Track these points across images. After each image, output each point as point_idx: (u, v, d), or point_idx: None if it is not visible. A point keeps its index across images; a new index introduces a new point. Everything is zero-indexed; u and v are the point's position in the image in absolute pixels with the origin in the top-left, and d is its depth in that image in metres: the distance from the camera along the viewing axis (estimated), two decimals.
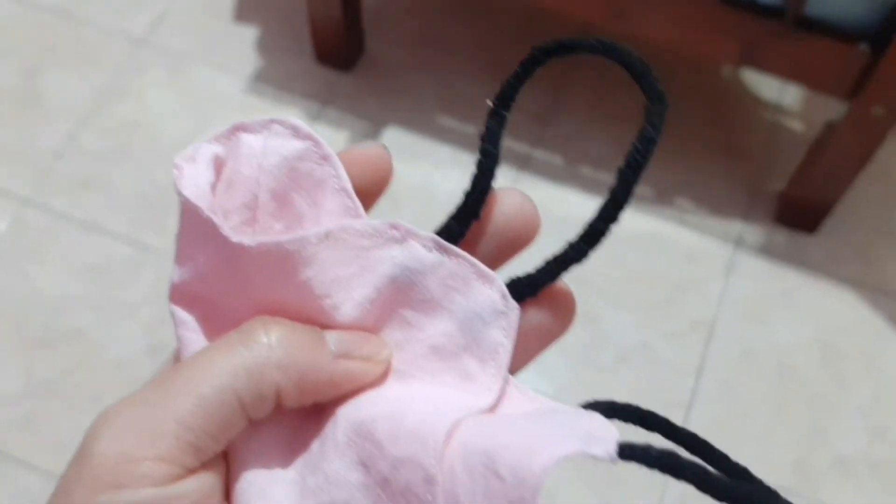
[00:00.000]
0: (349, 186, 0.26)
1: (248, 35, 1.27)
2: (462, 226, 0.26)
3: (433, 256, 0.25)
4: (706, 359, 1.04)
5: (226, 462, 0.23)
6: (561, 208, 1.10)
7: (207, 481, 0.21)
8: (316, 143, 0.26)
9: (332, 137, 1.18)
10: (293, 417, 0.25)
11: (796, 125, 1.23)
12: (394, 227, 0.25)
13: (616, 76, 1.29)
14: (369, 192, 0.26)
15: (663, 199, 1.14)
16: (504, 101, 0.28)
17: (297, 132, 0.27)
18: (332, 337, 0.24)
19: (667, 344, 1.05)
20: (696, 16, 0.95)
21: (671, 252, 1.11)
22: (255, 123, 0.27)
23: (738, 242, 1.12)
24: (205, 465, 0.21)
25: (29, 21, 1.28)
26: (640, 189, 1.11)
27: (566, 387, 1.02)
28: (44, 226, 1.11)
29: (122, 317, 1.05)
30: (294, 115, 1.19)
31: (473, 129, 1.18)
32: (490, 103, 0.28)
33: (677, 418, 1.00)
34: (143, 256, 1.09)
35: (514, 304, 0.26)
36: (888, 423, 1.02)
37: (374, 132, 1.19)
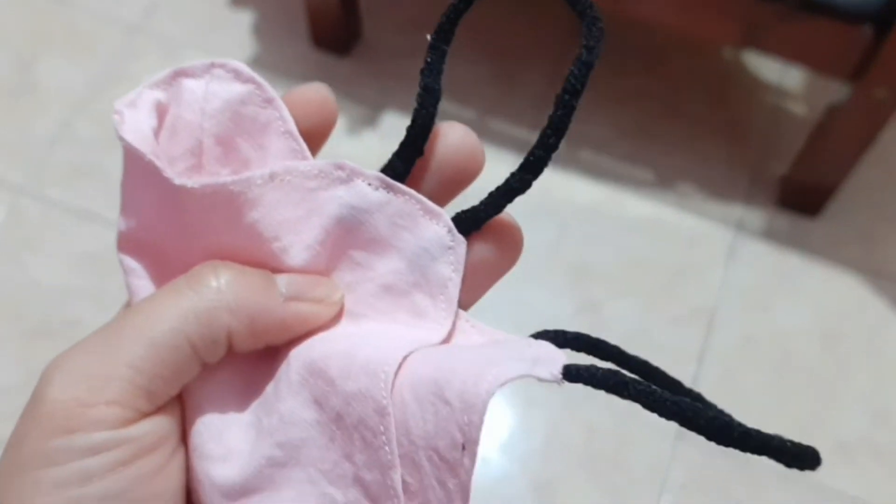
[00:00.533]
0: (294, 129, 0.26)
1: (243, 20, 1.26)
2: (406, 163, 0.26)
3: (379, 195, 0.25)
4: (707, 345, 1.04)
5: (182, 405, 0.23)
6: (561, 193, 1.09)
7: (162, 424, 0.21)
8: (258, 86, 0.26)
9: None
10: (247, 361, 0.25)
11: (798, 108, 1.22)
12: (339, 167, 0.25)
13: (614, 58, 1.28)
14: (315, 134, 0.26)
15: (664, 183, 1.13)
16: (443, 34, 0.28)
17: (238, 75, 0.26)
18: (282, 280, 0.23)
19: (668, 331, 1.05)
20: None
21: (672, 237, 1.10)
22: (196, 67, 0.26)
23: (740, 227, 1.11)
24: (160, 409, 0.21)
25: (21, 8, 1.26)
26: (640, 173, 1.11)
27: None
28: (39, 215, 1.10)
29: (116, 305, 1.03)
30: None
31: (472, 114, 1.17)
32: (429, 37, 0.27)
33: None
34: None
35: (460, 237, 0.25)
36: (890, 407, 1.01)
37: (372, 117, 1.18)
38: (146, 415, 0.21)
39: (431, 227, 0.25)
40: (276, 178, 0.25)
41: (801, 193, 1.11)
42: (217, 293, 0.22)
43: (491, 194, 0.26)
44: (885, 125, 0.96)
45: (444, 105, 1.11)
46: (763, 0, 0.92)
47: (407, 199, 0.25)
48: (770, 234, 1.11)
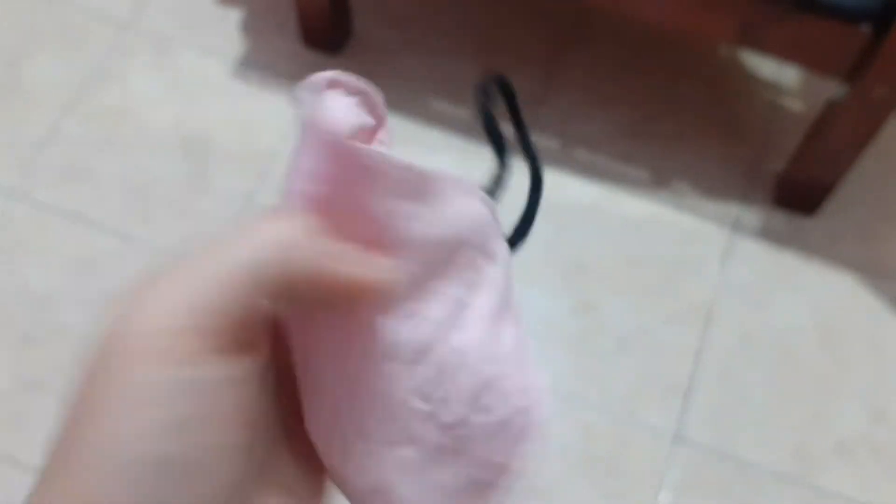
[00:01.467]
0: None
1: (233, 17, 1.24)
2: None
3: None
4: (705, 343, 1.03)
5: (273, 350, 0.24)
6: (557, 192, 1.08)
7: (243, 364, 0.22)
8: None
9: None
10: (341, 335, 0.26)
11: (795, 104, 1.21)
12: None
13: (610, 57, 1.27)
14: None
15: (660, 181, 1.12)
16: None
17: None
18: (336, 244, 0.24)
19: (665, 329, 1.04)
20: None
21: (669, 236, 1.09)
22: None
23: (736, 225, 1.11)
24: (242, 350, 0.22)
25: (9, 4, 1.24)
26: (636, 172, 1.10)
27: (565, 375, 1.00)
28: (28, 218, 1.08)
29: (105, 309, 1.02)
30: (281, 101, 1.17)
31: (465, 113, 1.16)
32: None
33: (676, 404, 0.99)
34: (130, 248, 1.07)
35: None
36: (888, 405, 1.01)
37: None
38: (225, 354, 0.21)
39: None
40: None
41: (798, 191, 1.10)
42: (271, 244, 0.22)
43: None
44: (884, 123, 0.95)
45: (438, 103, 1.11)
46: None
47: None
48: (767, 233, 1.10)
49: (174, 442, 0.20)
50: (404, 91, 1.18)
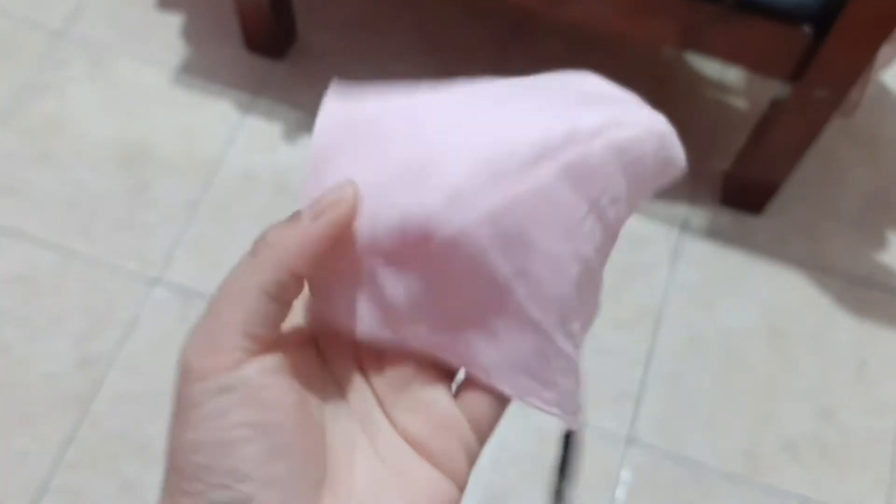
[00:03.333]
0: None
1: (172, 23, 1.21)
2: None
3: None
4: (654, 347, 1.03)
5: (285, 344, 0.29)
6: None
7: (273, 360, 0.27)
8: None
9: (266, 129, 1.14)
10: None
11: (740, 103, 1.21)
12: None
13: (552, 59, 1.27)
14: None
15: None
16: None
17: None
18: (304, 209, 0.28)
19: (616, 334, 1.04)
20: (636, 1, 0.93)
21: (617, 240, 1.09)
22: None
23: (684, 226, 1.11)
24: (267, 349, 0.27)
25: None
26: None
27: None
28: None
29: (48, 329, 1.00)
30: (224, 107, 1.15)
31: None
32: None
33: (627, 411, 0.99)
34: (69, 263, 1.04)
35: None
36: (835, 404, 1.02)
37: (309, 123, 1.14)
38: (254, 354, 0.27)
39: None
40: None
41: (743, 191, 1.10)
42: (268, 250, 0.28)
43: None
44: (827, 123, 0.96)
45: None
46: (702, 2, 0.91)
47: None
48: (714, 233, 1.11)
49: (216, 441, 0.26)
50: None
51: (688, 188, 1.13)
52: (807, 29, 0.90)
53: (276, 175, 1.11)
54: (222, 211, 1.08)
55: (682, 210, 1.12)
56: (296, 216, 0.28)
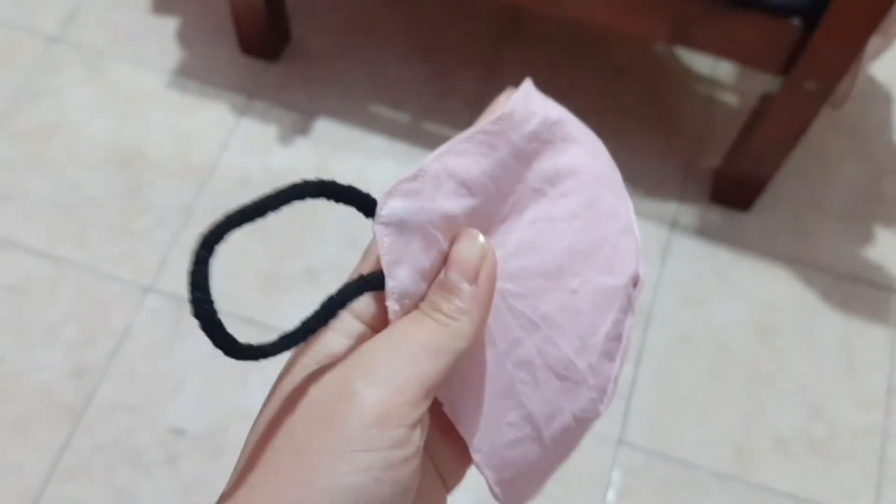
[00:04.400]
0: None
1: (167, 27, 1.22)
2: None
3: None
4: (645, 345, 1.05)
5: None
6: None
7: (420, 437, 0.27)
8: None
9: (261, 131, 1.15)
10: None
11: (731, 98, 1.22)
12: None
13: (544, 53, 1.27)
14: None
15: None
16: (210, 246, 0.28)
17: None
18: (455, 276, 0.29)
19: None
20: None
21: None
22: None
23: (674, 224, 1.12)
24: (422, 421, 0.27)
25: None
26: None
27: None
28: None
29: (42, 339, 1.01)
30: (219, 110, 1.16)
31: (406, 118, 1.16)
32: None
33: (618, 409, 1.00)
34: (63, 272, 1.05)
35: None
36: (825, 399, 1.03)
37: (304, 124, 1.16)
38: (417, 423, 0.26)
39: None
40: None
41: (733, 187, 1.12)
42: (464, 316, 0.28)
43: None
44: (816, 117, 0.97)
45: (379, 108, 1.11)
46: None
47: None
48: (704, 230, 1.12)
49: (372, 494, 0.25)
50: (345, 97, 1.18)
51: (678, 185, 1.14)
52: (796, 22, 0.91)
53: (272, 178, 1.12)
54: (217, 214, 1.08)
55: (671, 208, 1.13)
56: (453, 283, 0.28)
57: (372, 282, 0.29)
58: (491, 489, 0.32)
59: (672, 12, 0.94)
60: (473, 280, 0.28)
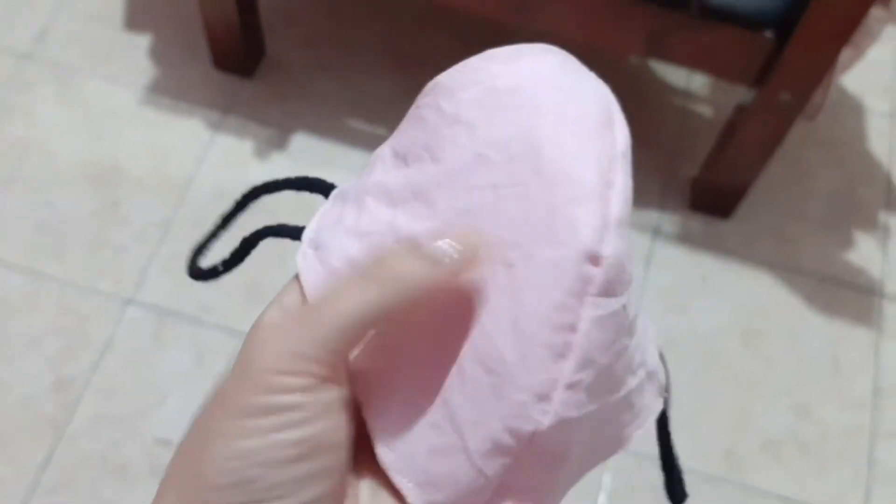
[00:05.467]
0: None
1: (140, 44, 1.21)
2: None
3: None
4: None
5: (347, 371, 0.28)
6: None
7: (338, 390, 0.26)
8: None
9: (236, 147, 1.14)
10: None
11: (706, 110, 1.23)
12: None
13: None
14: None
15: None
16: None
17: None
18: (430, 245, 0.27)
19: None
20: (599, 8, 0.94)
21: None
22: None
23: (656, 233, 1.12)
24: (336, 377, 0.26)
25: None
26: None
27: None
28: None
29: (22, 353, 0.99)
30: (194, 126, 1.14)
31: (384, 131, 1.15)
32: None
33: None
34: (41, 285, 1.03)
35: None
36: (811, 400, 1.03)
37: (280, 140, 1.15)
38: (325, 381, 0.26)
39: None
40: None
41: (712, 195, 1.12)
42: (386, 271, 0.26)
43: None
44: (791, 127, 0.98)
45: (356, 122, 1.10)
46: (666, 10, 0.92)
47: None
48: (685, 238, 1.12)
49: (271, 455, 0.25)
50: (321, 111, 1.17)
51: (658, 195, 1.15)
52: (769, 35, 0.92)
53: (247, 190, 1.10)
54: (195, 229, 1.07)
55: (653, 217, 1.13)
56: (418, 250, 0.27)
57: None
58: None
59: (646, 26, 0.95)
60: (437, 260, 0.27)
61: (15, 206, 1.08)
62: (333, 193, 0.31)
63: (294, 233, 0.31)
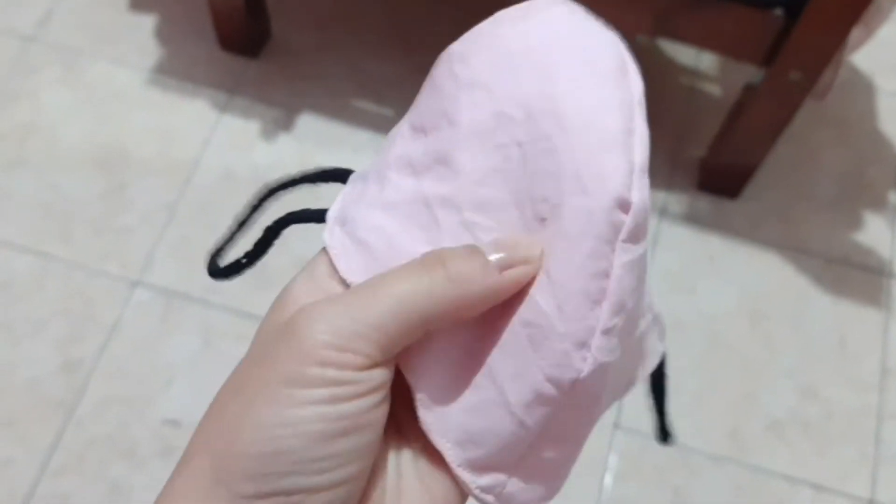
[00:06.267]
0: None
1: (145, 25, 1.21)
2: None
3: None
4: None
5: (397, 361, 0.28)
6: None
7: (385, 373, 0.26)
8: None
9: (243, 127, 1.14)
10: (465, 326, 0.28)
11: (714, 89, 1.22)
12: None
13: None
14: None
15: None
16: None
17: None
18: (490, 249, 0.27)
19: None
20: None
21: None
22: None
23: (663, 212, 1.12)
24: (385, 361, 0.26)
25: None
26: None
27: None
28: None
29: (30, 335, 0.99)
30: (200, 107, 1.14)
31: (390, 111, 1.15)
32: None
33: None
34: (49, 268, 1.03)
35: None
36: (816, 381, 1.03)
37: (286, 121, 1.14)
38: (376, 364, 0.26)
39: None
40: None
41: (720, 176, 1.11)
42: (447, 281, 0.26)
43: None
44: (800, 106, 0.97)
45: (362, 103, 1.10)
46: None
47: None
48: (692, 218, 1.12)
49: (316, 427, 0.25)
50: (327, 92, 1.16)
51: (665, 175, 1.14)
52: (778, 13, 0.91)
53: (255, 174, 1.11)
54: (201, 211, 1.08)
55: (660, 196, 1.13)
56: (476, 252, 0.27)
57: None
58: (462, 480, 0.28)
59: (654, 4, 0.94)
60: (507, 265, 0.26)
61: (21, 189, 1.08)
62: (353, 176, 0.31)
63: (317, 216, 0.31)
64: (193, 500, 0.25)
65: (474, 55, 0.29)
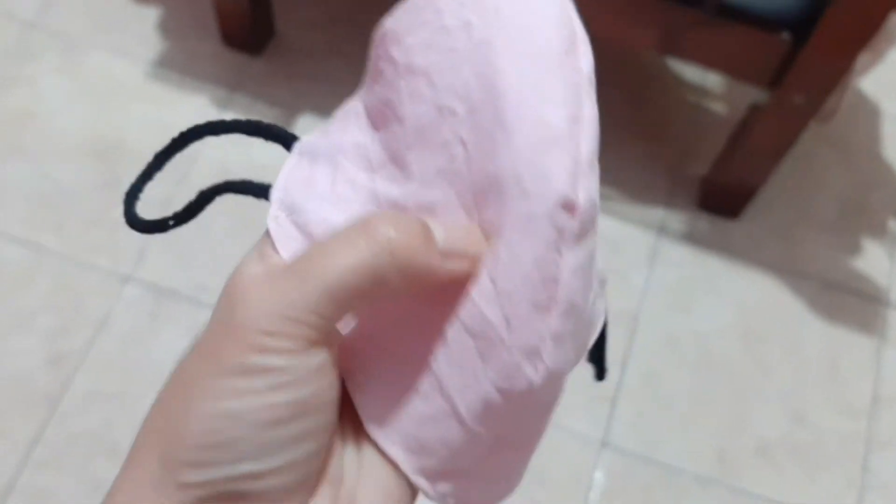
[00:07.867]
0: None
1: (148, 16, 1.20)
2: None
3: None
4: (631, 350, 1.03)
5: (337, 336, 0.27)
6: None
7: (327, 353, 0.26)
8: None
9: None
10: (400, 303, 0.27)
11: (719, 107, 1.21)
12: None
13: None
14: None
15: None
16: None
17: None
18: (439, 233, 0.25)
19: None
20: (614, 4, 0.92)
21: None
22: None
23: (661, 230, 1.11)
24: (325, 340, 0.25)
25: None
26: None
27: None
28: None
29: (17, 327, 0.98)
30: (200, 103, 1.13)
31: None
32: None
33: (603, 412, 0.99)
34: (39, 259, 1.02)
35: None
36: (808, 407, 1.02)
37: (287, 120, 1.13)
38: (316, 344, 0.25)
39: None
40: None
41: (721, 195, 1.11)
42: (387, 250, 0.25)
43: None
44: (803, 130, 0.97)
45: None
46: (682, 7, 0.90)
47: None
48: (691, 237, 1.11)
49: (261, 416, 0.24)
50: (329, 92, 1.15)
51: (665, 192, 1.13)
52: (785, 36, 0.90)
53: (252, 172, 1.09)
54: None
55: (659, 214, 1.12)
56: (427, 233, 0.25)
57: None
58: (418, 485, 0.27)
59: (661, 22, 0.93)
60: (451, 253, 0.25)
61: (15, 178, 1.07)
62: (298, 147, 0.29)
63: (258, 190, 0.29)
64: (141, 493, 0.25)
65: (409, 34, 0.27)
